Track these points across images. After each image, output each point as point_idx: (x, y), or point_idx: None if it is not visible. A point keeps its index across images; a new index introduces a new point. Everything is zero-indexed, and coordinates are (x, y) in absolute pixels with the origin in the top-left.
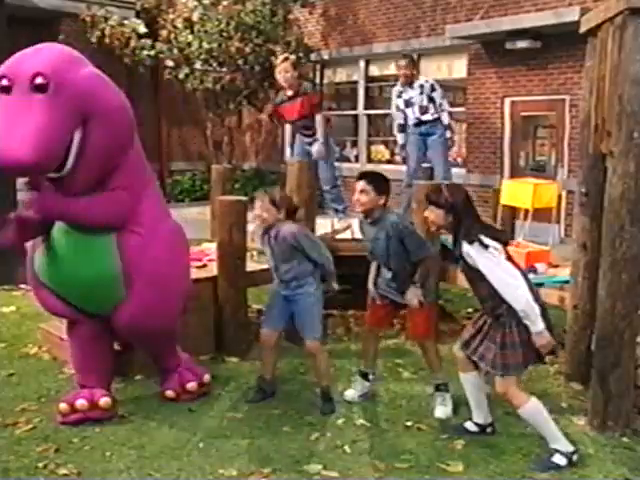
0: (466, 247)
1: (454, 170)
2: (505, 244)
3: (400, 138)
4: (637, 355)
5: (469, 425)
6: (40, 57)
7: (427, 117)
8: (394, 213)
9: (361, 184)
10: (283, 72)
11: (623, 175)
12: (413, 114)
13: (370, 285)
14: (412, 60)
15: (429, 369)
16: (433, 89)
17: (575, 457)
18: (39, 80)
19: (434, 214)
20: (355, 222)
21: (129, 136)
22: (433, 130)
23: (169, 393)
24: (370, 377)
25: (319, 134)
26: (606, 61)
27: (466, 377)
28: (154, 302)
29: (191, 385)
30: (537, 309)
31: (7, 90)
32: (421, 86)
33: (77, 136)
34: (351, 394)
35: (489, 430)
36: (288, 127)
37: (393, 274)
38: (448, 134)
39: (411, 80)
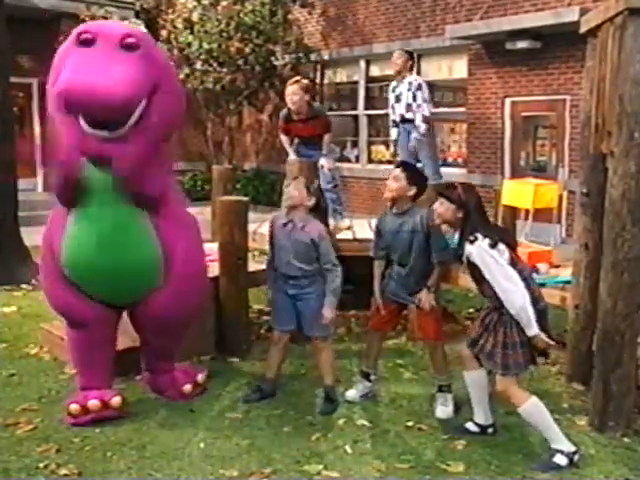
0: (469, 247)
1: (455, 170)
2: (511, 246)
3: (393, 133)
4: (638, 355)
5: (470, 425)
6: (128, 27)
7: (409, 115)
8: (425, 208)
9: (396, 171)
10: (291, 95)
11: (624, 175)
12: (399, 110)
13: (376, 291)
14: (409, 55)
15: (433, 370)
16: (419, 88)
17: (576, 457)
18: (131, 40)
19: (444, 207)
20: (355, 222)
21: (180, 119)
22: (420, 130)
23: (169, 396)
24: (371, 377)
25: (324, 150)
26: (606, 61)
27: (470, 375)
28: (186, 290)
29: (187, 388)
30: (532, 314)
31: (88, 43)
32: (410, 83)
33: (143, 102)
34: (352, 394)
35: (490, 431)
36: (285, 141)
37: (408, 272)
38: (415, 134)
39: (402, 75)
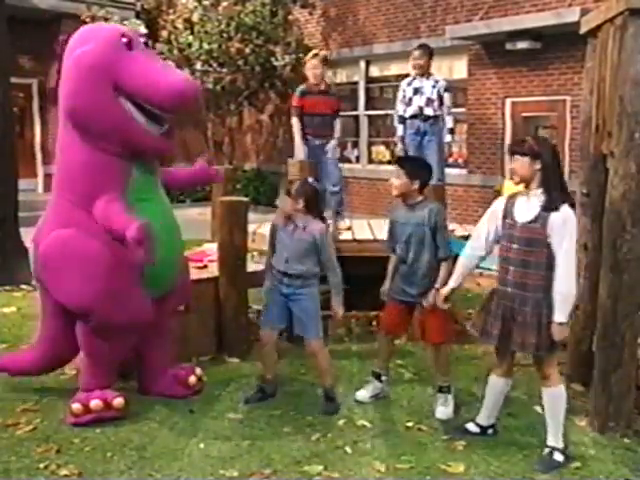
0: (553, 213)
1: (455, 171)
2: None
3: (400, 130)
4: (638, 356)
5: (471, 426)
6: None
7: (429, 111)
8: (435, 203)
9: (395, 170)
10: (313, 69)
11: (624, 176)
12: (417, 103)
13: (385, 287)
14: (429, 50)
15: (436, 370)
16: (446, 89)
17: (567, 451)
18: (145, 39)
19: (519, 163)
20: (355, 223)
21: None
22: (431, 130)
23: (175, 392)
24: (382, 378)
25: (336, 134)
26: (606, 62)
27: (498, 381)
28: (186, 272)
29: (192, 379)
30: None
31: (131, 46)
32: (436, 81)
33: None
34: (362, 394)
35: (490, 432)
36: (296, 125)
37: (411, 266)
38: (449, 138)
39: (427, 72)
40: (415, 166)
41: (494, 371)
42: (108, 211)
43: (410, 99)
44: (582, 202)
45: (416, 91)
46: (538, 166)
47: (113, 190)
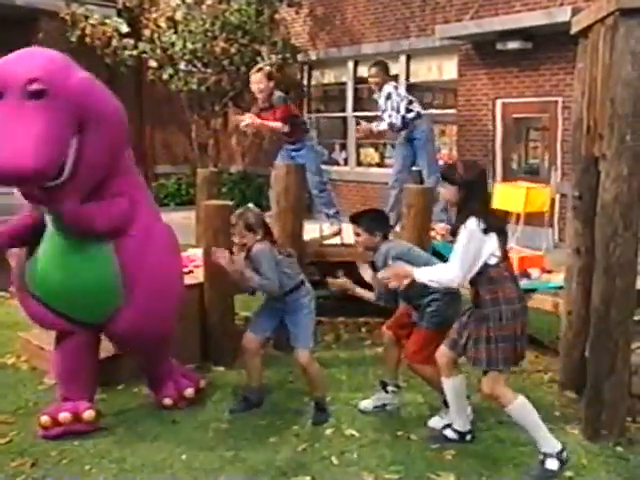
0: (462, 228)
1: None
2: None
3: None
4: (632, 362)
5: (448, 432)
6: (33, 61)
7: (396, 123)
8: (387, 244)
9: (352, 228)
10: (255, 83)
11: (616, 178)
12: (386, 119)
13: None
14: (383, 65)
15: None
16: (388, 97)
17: (564, 455)
18: (35, 86)
19: (447, 191)
20: (343, 227)
21: (125, 139)
22: (414, 134)
23: (167, 401)
24: (388, 388)
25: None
26: (597, 63)
27: (450, 382)
28: (153, 306)
29: (189, 391)
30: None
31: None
32: (388, 94)
33: (74, 142)
34: (365, 404)
35: (468, 438)
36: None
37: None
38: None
39: (380, 87)
40: (370, 220)
41: (444, 374)
42: None
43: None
44: (574, 205)
45: (381, 109)
46: (462, 195)
47: None
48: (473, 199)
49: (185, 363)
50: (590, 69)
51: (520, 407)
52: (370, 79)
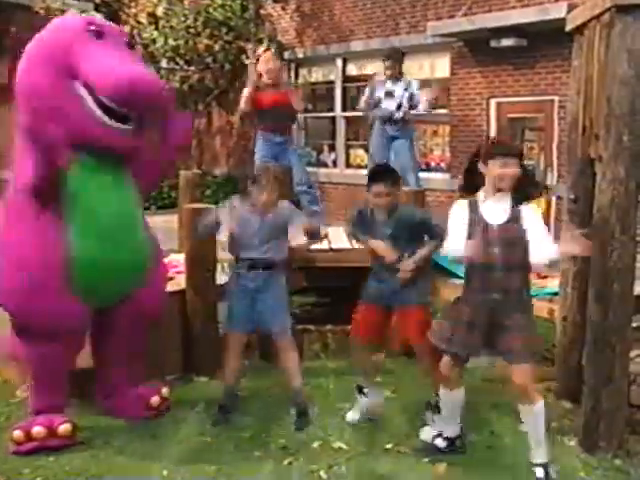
0: (525, 208)
1: (438, 175)
2: None
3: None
4: (630, 370)
5: (439, 442)
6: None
7: (399, 114)
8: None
9: (375, 188)
10: (265, 62)
11: (612, 181)
12: (388, 106)
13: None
14: (399, 55)
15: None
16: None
17: (551, 469)
18: (127, 39)
19: (514, 167)
20: (332, 231)
21: None
22: (400, 134)
23: (135, 413)
24: (365, 391)
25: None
26: (593, 61)
27: (451, 395)
28: (163, 290)
29: (155, 399)
30: None
31: (100, 36)
32: (409, 83)
33: None
34: (351, 415)
35: (458, 443)
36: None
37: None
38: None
39: (397, 77)
40: (395, 174)
41: (447, 385)
42: None
43: (380, 102)
44: (569, 208)
45: (388, 94)
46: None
47: None
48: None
49: (166, 374)
50: (586, 67)
51: (541, 409)
52: (387, 71)
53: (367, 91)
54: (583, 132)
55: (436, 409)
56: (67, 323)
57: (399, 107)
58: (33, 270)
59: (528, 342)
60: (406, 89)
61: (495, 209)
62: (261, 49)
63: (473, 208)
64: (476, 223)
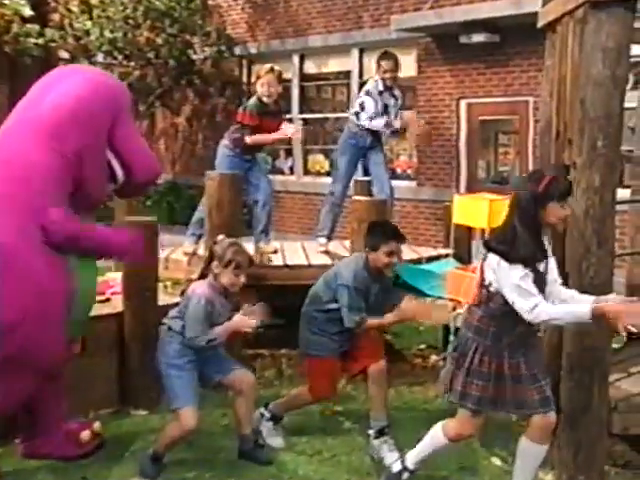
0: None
1: (404, 183)
2: None
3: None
4: (610, 397)
5: (395, 466)
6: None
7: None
8: None
9: (395, 247)
10: (268, 85)
11: (587, 189)
12: (381, 122)
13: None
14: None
15: (377, 407)
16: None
17: None
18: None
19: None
20: (287, 245)
21: None
22: (376, 142)
23: (63, 452)
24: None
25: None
26: (567, 60)
27: (449, 445)
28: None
29: (84, 434)
30: None
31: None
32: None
33: None
34: (278, 442)
35: (405, 476)
36: (226, 143)
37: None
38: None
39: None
40: None
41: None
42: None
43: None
44: None
45: (386, 109)
46: None
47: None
48: None
49: (99, 407)
50: (559, 67)
51: (543, 451)
52: (386, 74)
53: (369, 104)
54: (557, 137)
55: (388, 429)
56: (58, 356)
57: (388, 124)
58: (52, 310)
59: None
60: (397, 99)
61: None
62: (264, 69)
63: None
64: None
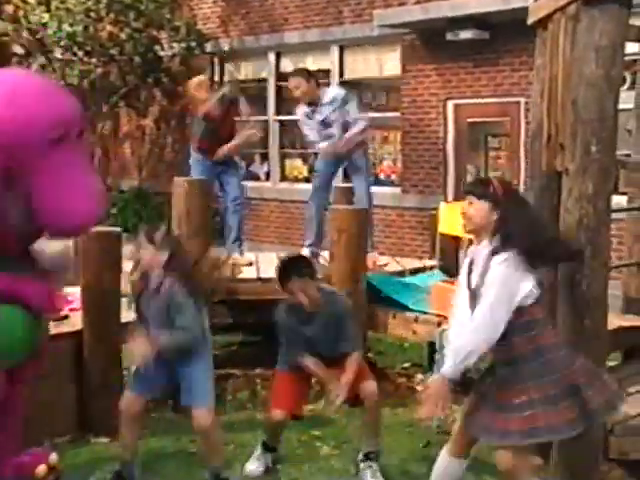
0: (495, 258)
1: (387, 189)
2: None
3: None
4: (607, 419)
5: None
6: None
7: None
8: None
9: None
10: (294, 88)
11: (580, 198)
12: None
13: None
14: (306, 73)
15: (362, 432)
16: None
17: None
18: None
19: (475, 207)
20: (261, 257)
21: None
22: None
23: None
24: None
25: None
26: (558, 59)
27: (453, 463)
28: None
29: (40, 469)
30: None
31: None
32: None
33: None
34: (253, 469)
35: None
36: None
37: None
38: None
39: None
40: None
41: (449, 448)
42: None
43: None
44: None
45: (325, 124)
46: (495, 217)
47: None
48: (514, 224)
49: (56, 435)
50: (550, 66)
51: None
52: (297, 91)
53: (308, 132)
54: (548, 141)
55: (374, 455)
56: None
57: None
58: None
59: None
60: (330, 103)
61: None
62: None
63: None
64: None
